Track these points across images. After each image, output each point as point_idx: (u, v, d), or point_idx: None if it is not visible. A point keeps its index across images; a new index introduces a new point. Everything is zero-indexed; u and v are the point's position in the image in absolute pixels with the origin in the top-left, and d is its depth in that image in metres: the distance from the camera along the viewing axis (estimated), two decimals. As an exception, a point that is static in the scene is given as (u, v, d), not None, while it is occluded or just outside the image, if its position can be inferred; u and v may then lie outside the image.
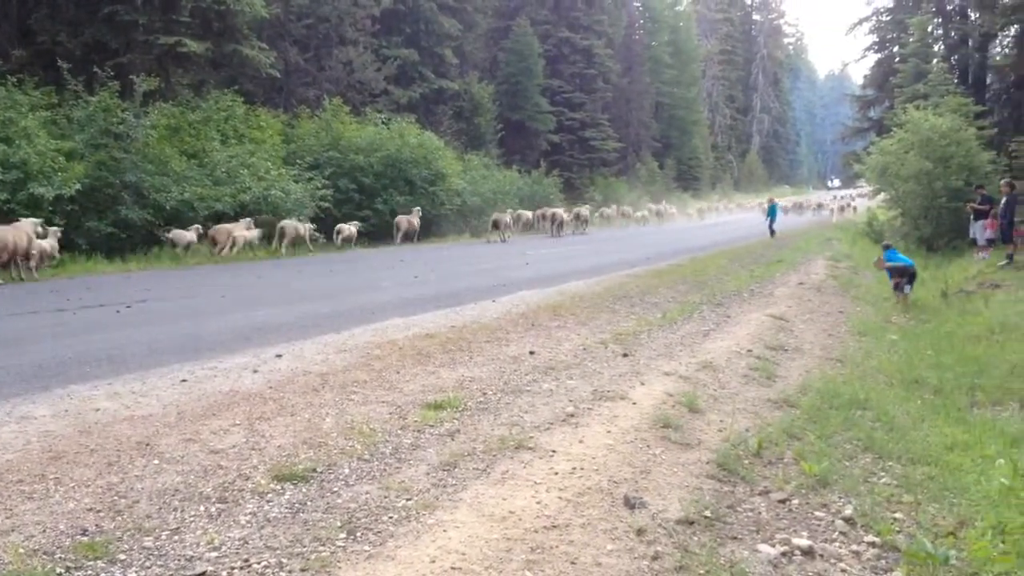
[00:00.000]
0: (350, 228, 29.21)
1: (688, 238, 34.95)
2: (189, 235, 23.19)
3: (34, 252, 17.74)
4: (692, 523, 4.75)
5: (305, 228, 26.40)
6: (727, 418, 6.94)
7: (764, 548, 4.62)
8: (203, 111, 28.47)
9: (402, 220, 31.94)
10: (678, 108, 79.91)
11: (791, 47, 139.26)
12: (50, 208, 20.03)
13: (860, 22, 48.18)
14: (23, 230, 17.48)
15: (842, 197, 64.88)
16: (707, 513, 4.92)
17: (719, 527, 4.82)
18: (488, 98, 50.00)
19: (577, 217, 41.79)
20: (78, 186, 20.72)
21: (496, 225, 33.91)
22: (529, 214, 40.08)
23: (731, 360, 9.26)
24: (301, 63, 36.41)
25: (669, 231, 43.91)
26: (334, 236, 28.58)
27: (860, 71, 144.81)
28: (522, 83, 54.18)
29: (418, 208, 32.44)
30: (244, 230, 24.28)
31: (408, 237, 32.03)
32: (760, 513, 5.14)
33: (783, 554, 4.59)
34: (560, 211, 39.46)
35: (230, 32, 29.80)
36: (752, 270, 19.45)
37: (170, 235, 22.91)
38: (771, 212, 37.05)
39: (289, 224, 25.65)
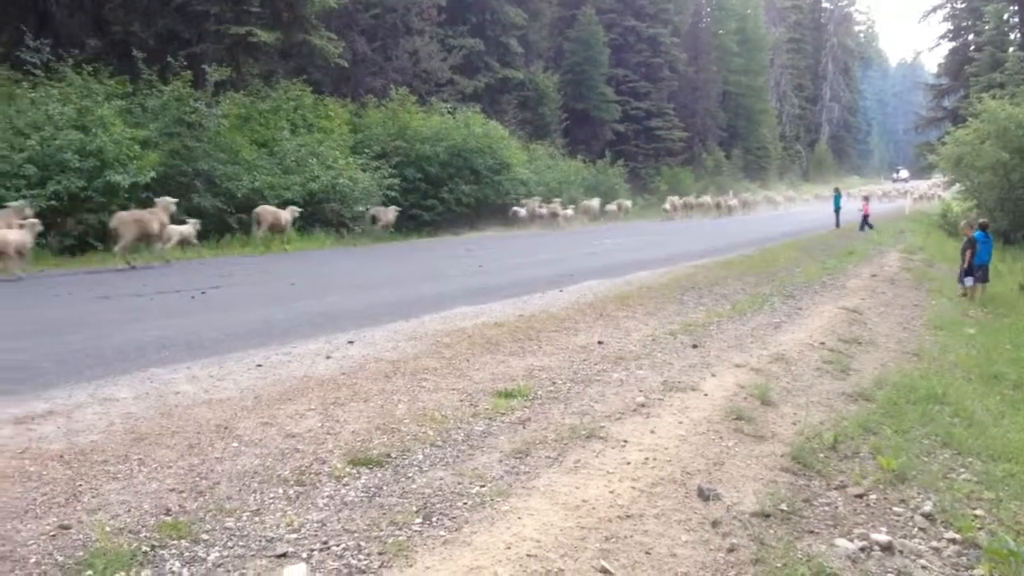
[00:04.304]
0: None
1: (755, 229, 34.50)
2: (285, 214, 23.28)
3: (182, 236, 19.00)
4: (768, 516, 4.71)
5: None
6: (801, 411, 6.85)
7: (842, 543, 4.56)
8: (273, 100, 28.90)
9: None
10: (745, 97, 78.74)
11: (862, 35, 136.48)
12: (126, 195, 20.44)
13: (934, 10, 47.18)
14: (158, 214, 18.64)
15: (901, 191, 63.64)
16: (783, 506, 4.87)
17: (795, 521, 4.76)
18: (553, 87, 49.88)
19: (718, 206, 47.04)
20: (153, 174, 21.12)
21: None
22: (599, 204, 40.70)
23: (804, 353, 9.14)
24: (368, 53, 36.68)
25: (736, 222, 43.49)
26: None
27: (934, 60, 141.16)
28: (587, 72, 53.92)
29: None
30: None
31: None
32: (837, 507, 5.07)
33: (861, 549, 4.52)
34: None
35: (299, 22, 30.13)
36: (823, 262, 19.14)
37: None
38: (836, 202, 36.36)
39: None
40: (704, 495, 4.84)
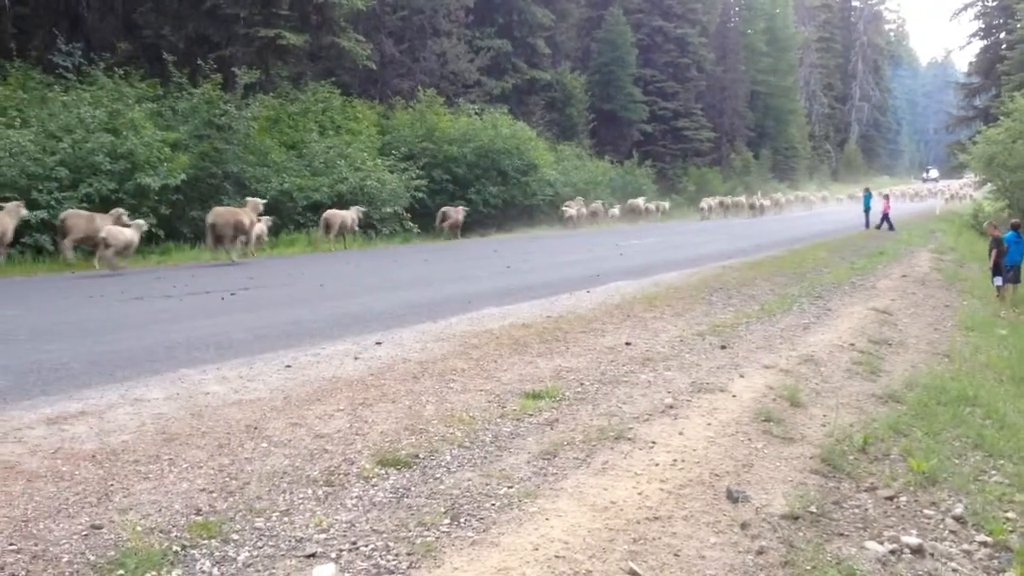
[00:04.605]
0: (457, 214, 29.50)
1: (784, 229, 34.32)
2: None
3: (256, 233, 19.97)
4: (797, 518, 4.68)
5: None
6: (830, 413, 6.80)
7: (872, 545, 4.53)
8: (301, 103, 29.10)
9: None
10: (774, 97, 78.20)
11: (892, 34, 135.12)
12: (156, 197, 20.64)
13: (965, 8, 46.66)
14: (248, 211, 19.97)
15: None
16: (812, 508, 4.84)
17: (825, 523, 4.73)
18: (580, 88, 49.79)
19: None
20: (183, 176, 21.31)
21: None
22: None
23: (833, 354, 9.08)
24: (396, 55, 36.82)
25: (765, 222, 43.26)
26: (442, 219, 29.15)
27: (965, 58, 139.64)
28: (614, 73, 53.77)
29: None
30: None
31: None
32: (867, 510, 5.03)
33: (892, 552, 4.49)
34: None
35: (328, 25, 30.30)
36: (853, 262, 19.01)
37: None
38: (866, 202, 36.03)
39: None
40: (733, 497, 4.83)
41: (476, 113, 35.65)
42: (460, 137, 33.14)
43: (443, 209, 29.13)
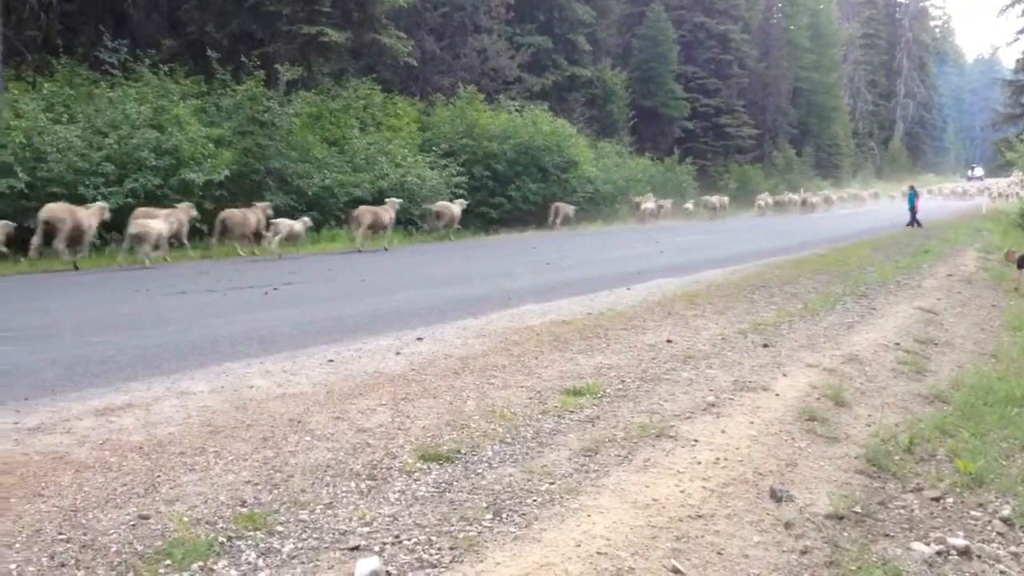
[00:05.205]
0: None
1: (828, 227, 33.97)
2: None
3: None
4: (842, 518, 4.63)
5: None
6: (875, 412, 6.73)
7: (918, 547, 4.46)
8: (343, 99, 29.25)
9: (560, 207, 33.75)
10: (817, 94, 77.32)
11: (937, 30, 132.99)
12: (200, 193, 20.89)
13: (1012, 4, 45.69)
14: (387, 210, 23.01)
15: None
16: (857, 509, 4.79)
17: (870, 523, 4.68)
18: (621, 85, 49.55)
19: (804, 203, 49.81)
20: (227, 172, 21.53)
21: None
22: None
23: (878, 353, 8.98)
24: (437, 51, 36.91)
25: (809, 220, 42.86)
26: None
27: (1012, 55, 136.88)
28: (655, 69, 53.45)
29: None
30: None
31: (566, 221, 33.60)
32: (913, 511, 4.96)
33: (938, 553, 4.42)
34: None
35: (369, 21, 30.41)
36: (897, 261, 18.76)
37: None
38: (911, 200, 35.55)
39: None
40: (776, 496, 4.79)
41: (516, 110, 35.58)
42: (500, 134, 33.13)
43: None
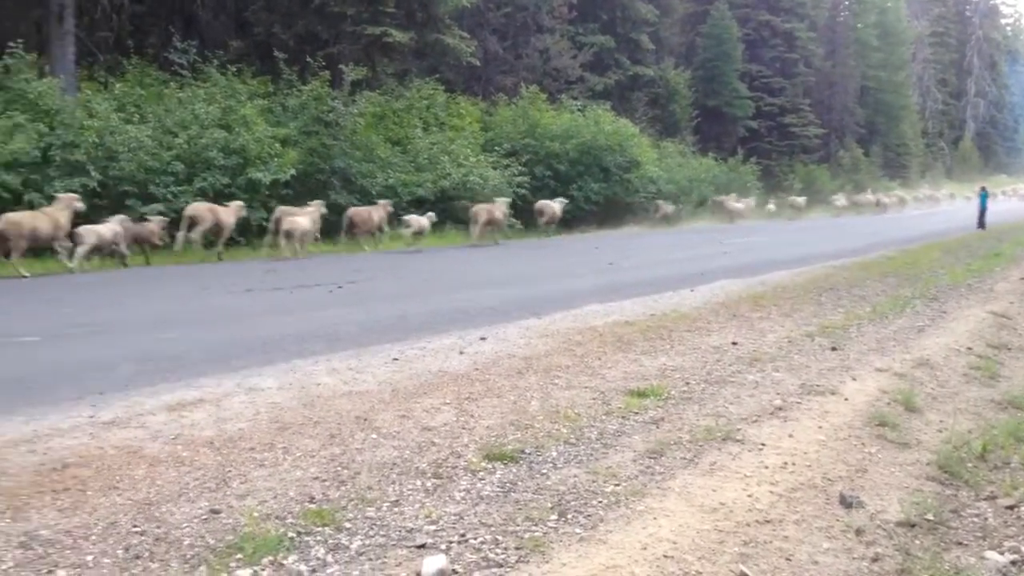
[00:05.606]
0: (553, 207, 29.41)
1: (896, 228, 33.36)
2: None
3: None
4: (913, 526, 4.54)
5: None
6: (947, 418, 6.58)
7: (992, 555, 4.35)
8: (406, 99, 29.46)
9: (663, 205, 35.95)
10: (885, 92, 75.81)
11: (1009, 28, 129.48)
12: (267, 192, 21.21)
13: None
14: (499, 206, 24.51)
15: None
16: (929, 516, 4.68)
17: (942, 531, 4.58)
18: (684, 84, 49.15)
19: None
20: (292, 171, 21.82)
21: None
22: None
23: (949, 358, 8.78)
24: (499, 51, 36.96)
25: (878, 221, 42.17)
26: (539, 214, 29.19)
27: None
28: (719, 68, 52.89)
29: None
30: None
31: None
32: (987, 519, 4.85)
33: (1013, 563, 4.31)
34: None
35: (432, 22, 30.55)
36: (968, 263, 18.34)
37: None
38: (982, 201, 34.67)
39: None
40: (846, 502, 4.71)
41: (578, 109, 35.47)
42: (562, 133, 33.04)
43: (539, 204, 29.13)
